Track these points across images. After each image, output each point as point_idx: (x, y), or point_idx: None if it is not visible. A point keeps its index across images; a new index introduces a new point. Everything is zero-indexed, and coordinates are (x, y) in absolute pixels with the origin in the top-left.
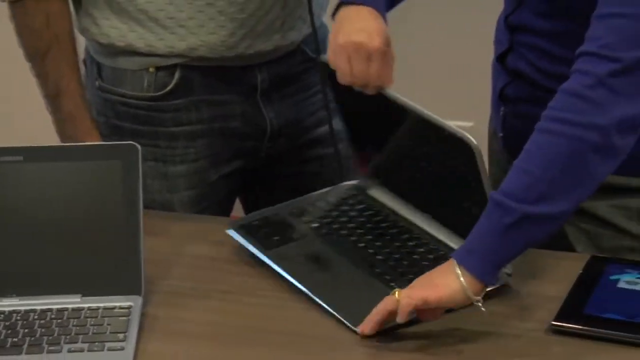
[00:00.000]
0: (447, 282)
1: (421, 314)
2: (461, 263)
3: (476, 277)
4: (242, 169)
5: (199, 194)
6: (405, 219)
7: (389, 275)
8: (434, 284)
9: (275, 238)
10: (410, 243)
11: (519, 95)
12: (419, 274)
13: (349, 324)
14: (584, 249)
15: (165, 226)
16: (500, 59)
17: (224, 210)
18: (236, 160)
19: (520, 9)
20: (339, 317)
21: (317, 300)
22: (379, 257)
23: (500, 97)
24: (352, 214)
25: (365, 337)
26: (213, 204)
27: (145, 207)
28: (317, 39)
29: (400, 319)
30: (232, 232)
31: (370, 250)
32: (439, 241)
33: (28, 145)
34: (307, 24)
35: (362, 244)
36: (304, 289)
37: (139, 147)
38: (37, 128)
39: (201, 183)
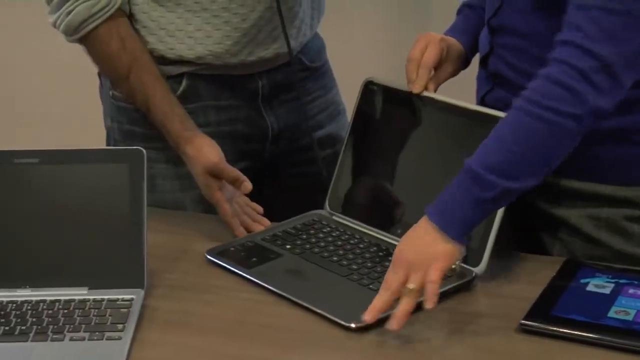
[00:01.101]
0: (443, 249)
1: None
2: (444, 230)
3: (457, 242)
4: (248, 169)
5: None
6: (371, 236)
7: (366, 280)
8: (434, 256)
9: (254, 259)
10: (380, 253)
11: (499, 104)
12: None
13: (341, 322)
14: (558, 255)
15: (176, 224)
16: (482, 62)
17: None
18: (242, 161)
19: (502, 9)
20: (330, 317)
21: (307, 305)
22: (354, 266)
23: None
24: (320, 235)
25: (355, 331)
26: None
27: (157, 206)
28: (290, 51)
29: (429, 305)
30: (211, 257)
31: (344, 262)
32: None
33: (43, 148)
34: (302, 33)
35: (335, 258)
36: (292, 297)
37: (144, 151)
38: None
39: None
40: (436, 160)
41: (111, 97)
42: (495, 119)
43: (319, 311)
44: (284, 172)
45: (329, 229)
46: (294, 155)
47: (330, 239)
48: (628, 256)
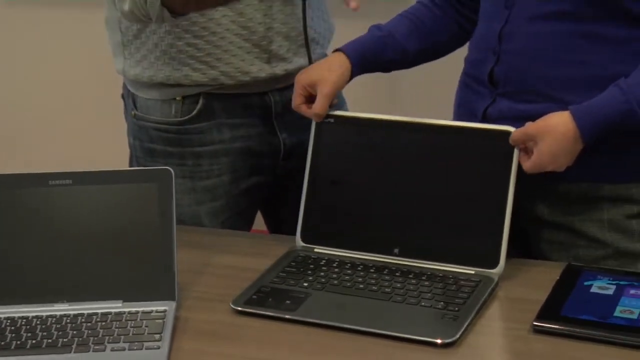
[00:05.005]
0: None
1: None
2: None
3: None
4: (260, 185)
5: (223, 205)
6: (366, 260)
7: (412, 299)
8: None
9: (287, 302)
10: (397, 273)
11: (503, 116)
12: (429, 291)
13: (431, 339)
14: (557, 259)
15: (194, 239)
16: (482, 75)
17: (246, 221)
18: (254, 176)
19: (512, 16)
20: (418, 338)
21: (387, 333)
22: (386, 289)
23: (484, 120)
24: (324, 268)
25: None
26: (235, 215)
27: (176, 219)
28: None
29: None
30: (242, 308)
31: (373, 288)
32: (415, 266)
33: (76, 170)
34: (311, 51)
35: (361, 286)
36: (365, 329)
37: (172, 171)
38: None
39: (225, 195)
40: (405, 179)
41: (133, 116)
42: (453, 129)
43: (403, 335)
44: (296, 187)
45: (324, 261)
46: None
47: (336, 269)
48: (631, 253)
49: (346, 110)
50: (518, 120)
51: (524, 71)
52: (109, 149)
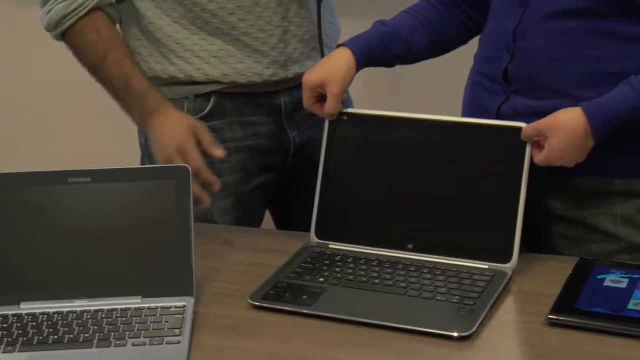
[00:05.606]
0: None
1: None
2: None
3: None
4: (270, 182)
5: (234, 203)
6: (380, 255)
7: (427, 293)
8: None
9: (304, 297)
10: (411, 268)
11: (518, 112)
12: (444, 285)
13: (447, 332)
14: (569, 253)
15: (210, 236)
16: (496, 73)
17: (256, 218)
18: (265, 174)
19: (526, 15)
20: (434, 331)
21: (401, 326)
22: (402, 284)
23: (497, 117)
24: (339, 264)
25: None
26: (246, 212)
27: None
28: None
29: None
30: (260, 303)
31: (389, 282)
32: (429, 261)
33: (95, 168)
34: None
35: (377, 281)
36: (382, 323)
37: (189, 168)
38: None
39: (236, 193)
40: (418, 175)
41: None
42: (458, 124)
43: (419, 329)
44: (306, 185)
45: (339, 256)
46: (315, 168)
47: (351, 264)
48: None
49: (352, 104)
50: (532, 116)
51: (538, 68)
52: (109, 148)
